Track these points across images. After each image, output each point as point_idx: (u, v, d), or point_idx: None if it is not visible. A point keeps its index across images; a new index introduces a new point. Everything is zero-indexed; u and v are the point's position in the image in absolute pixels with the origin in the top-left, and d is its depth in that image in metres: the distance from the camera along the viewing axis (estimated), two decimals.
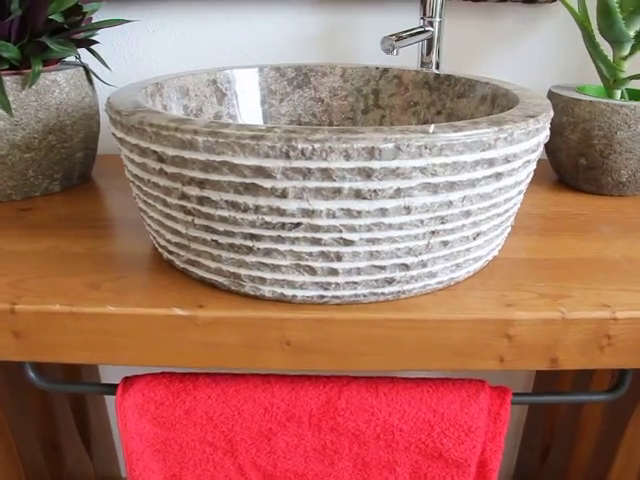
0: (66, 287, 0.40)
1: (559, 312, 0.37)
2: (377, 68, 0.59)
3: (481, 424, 0.42)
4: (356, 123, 0.61)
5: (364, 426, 0.43)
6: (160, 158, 0.35)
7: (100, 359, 0.39)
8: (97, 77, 0.58)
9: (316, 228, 0.34)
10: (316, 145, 0.31)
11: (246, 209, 0.34)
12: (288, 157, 0.31)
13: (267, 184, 0.32)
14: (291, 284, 0.37)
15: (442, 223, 0.35)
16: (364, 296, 0.37)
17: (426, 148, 0.32)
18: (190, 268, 0.40)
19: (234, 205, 0.34)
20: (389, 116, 0.60)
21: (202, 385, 0.43)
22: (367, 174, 0.32)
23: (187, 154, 0.33)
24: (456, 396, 0.43)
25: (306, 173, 0.32)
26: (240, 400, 0.43)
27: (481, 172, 0.34)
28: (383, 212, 0.33)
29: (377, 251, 0.35)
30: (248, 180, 0.33)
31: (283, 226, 0.34)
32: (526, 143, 0.36)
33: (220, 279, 0.39)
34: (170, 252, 0.41)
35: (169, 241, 0.40)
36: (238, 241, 0.36)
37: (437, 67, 0.63)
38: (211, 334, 0.38)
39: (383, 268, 0.36)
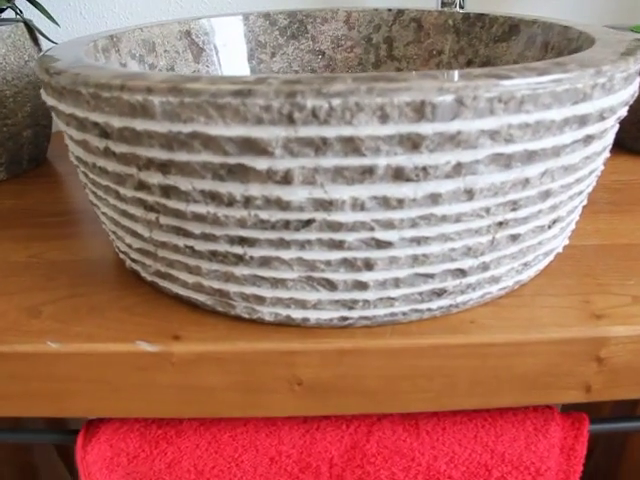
0: None
1: None
2: (389, 10, 0.48)
3: (552, 464, 0.33)
4: None
5: (402, 475, 0.33)
6: (103, 132, 0.24)
7: (42, 411, 0.29)
8: (42, 34, 0.46)
9: (336, 226, 0.23)
10: (335, 101, 0.20)
11: (231, 202, 0.23)
12: (292, 122, 0.20)
13: (261, 165, 0.22)
14: (301, 304, 0.26)
15: (513, 210, 0.25)
16: (403, 314, 0.27)
17: (500, 101, 0.21)
18: (161, 282, 0.29)
19: (213, 197, 0.23)
20: (406, 69, 0.48)
21: (187, 431, 0.33)
22: (413, 143, 0.21)
23: (140, 124, 0.22)
24: (520, 431, 0.32)
25: (320, 146, 0.21)
26: (238, 449, 0.33)
27: (569, 135, 0.24)
28: (434, 199, 0.23)
29: (424, 254, 0.24)
30: (232, 160, 0.22)
31: (287, 225, 0.23)
32: (624, 92, 0.26)
33: (201, 297, 0.28)
34: (134, 260, 0.30)
35: (130, 246, 0.29)
36: (222, 247, 0.25)
37: (461, 5, 0.52)
38: (192, 376, 0.27)
39: (431, 276, 0.25)
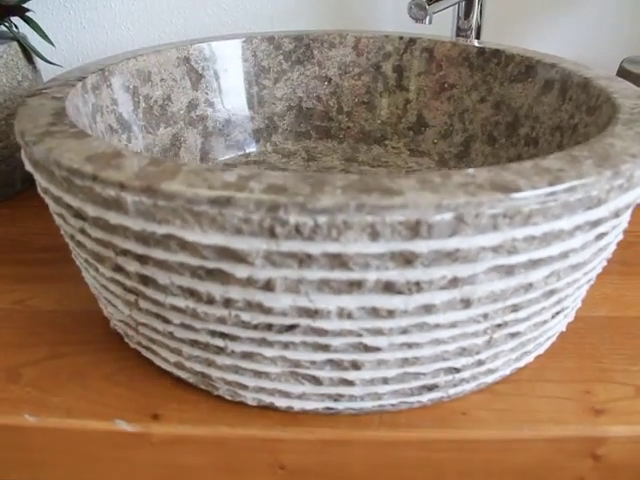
0: None
1: None
2: (401, 38, 0.45)
3: None
4: (373, 109, 0.47)
5: None
6: (78, 215, 0.22)
7: (16, 476, 0.28)
8: (37, 54, 0.45)
9: (321, 332, 0.22)
10: (320, 219, 0.18)
11: (211, 301, 0.22)
12: (273, 235, 0.19)
13: (241, 272, 0.20)
14: (285, 394, 0.25)
15: (514, 312, 0.23)
16: (392, 405, 0.26)
17: (505, 217, 0.19)
18: (143, 352, 0.28)
19: (192, 293, 0.22)
20: (416, 101, 0.46)
21: None
22: (406, 260, 0.19)
23: (113, 218, 0.21)
24: None
25: (304, 259, 0.19)
26: None
27: (580, 239, 0.22)
28: (428, 309, 0.21)
29: (415, 357, 0.23)
30: (210, 264, 0.20)
31: (269, 327, 0.22)
32: None
33: (184, 375, 0.27)
34: (117, 324, 0.29)
35: (111, 315, 0.28)
36: (203, 338, 0.24)
37: (478, 34, 0.49)
38: (171, 455, 0.26)
39: (422, 375, 0.24)
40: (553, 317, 0.26)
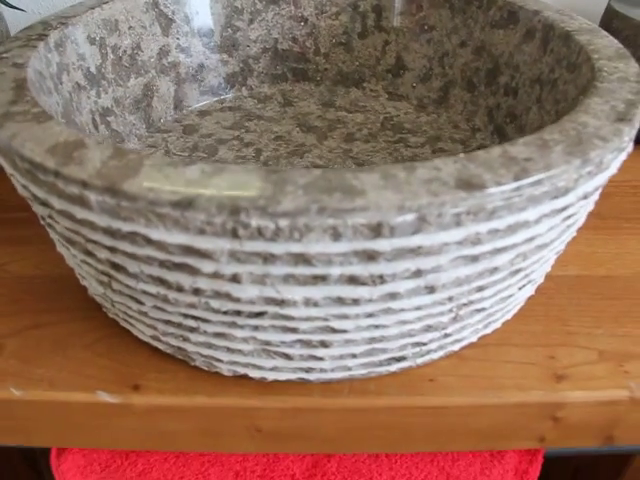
0: None
1: (626, 390, 0.27)
2: None
3: (510, 462, 0.34)
4: (351, 50, 0.46)
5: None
6: (45, 204, 0.22)
7: (6, 442, 0.30)
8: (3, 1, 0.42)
9: (289, 318, 0.22)
10: (282, 222, 0.18)
11: (180, 289, 0.22)
12: (236, 236, 0.19)
13: (207, 268, 0.20)
14: (258, 367, 0.26)
15: (479, 291, 0.24)
16: (361, 375, 0.27)
17: (469, 214, 0.19)
18: (121, 323, 0.29)
19: (162, 282, 0.22)
20: (395, 43, 0.44)
21: None
22: (369, 256, 0.20)
23: (79, 212, 0.21)
24: (476, 456, 0.34)
25: (268, 257, 0.19)
26: (204, 463, 0.34)
27: (546, 224, 0.22)
28: (392, 296, 0.22)
29: (382, 336, 0.24)
30: (177, 259, 0.20)
31: (239, 313, 0.22)
32: (613, 167, 0.24)
33: (161, 346, 0.28)
34: (94, 295, 0.29)
35: (87, 287, 0.28)
36: (176, 319, 0.24)
37: None
38: (152, 422, 0.28)
39: (389, 349, 0.25)
40: (520, 289, 0.27)
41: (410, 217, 0.19)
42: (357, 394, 0.27)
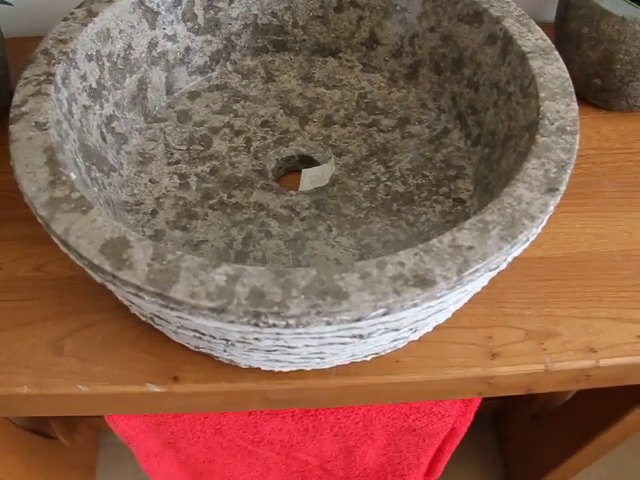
0: (25, 350, 0.37)
1: (542, 364, 0.37)
2: None
3: (454, 411, 0.45)
4: (327, 23, 0.48)
5: (344, 419, 0.45)
6: (104, 284, 0.29)
7: (71, 413, 0.39)
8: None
9: (294, 352, 0.30)
10: (291, 321, 0.26)
11: (212, 337, 0.30)
12: (257, 326, 0.26)
13: (235, 336, 0.28)
14: (268, 365, 0.34)
15: (433, 315, 0.32)
16: (344, 364, 0.36)
17: (423, 302, 0.27)
18: (154, 325, 0.37)
19: (198, 332, 0.30)
20: (369, 19, 0.47)
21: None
22: (352, 329, 0.27)
23: (134, 298, 0.27)
24: None
25: (280, 332, 0.27)
26: (220, 417, 0.44)
27: (475, 285, 0.29)
28: (364, 337, 0.30)
29: (361, 349, 0.32)
30: (212, 331, 0.28)
31: (257, 349, 0.30)
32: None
33: (188, 346, 0.36)
34: None
35: None
36: (206, 344, 0.32)
37: None
38: (189, 401, 0.37)
39: (366, 353, 0.34)
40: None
41: (381, 311, 0.26)
42: (342, 376, 0.36)
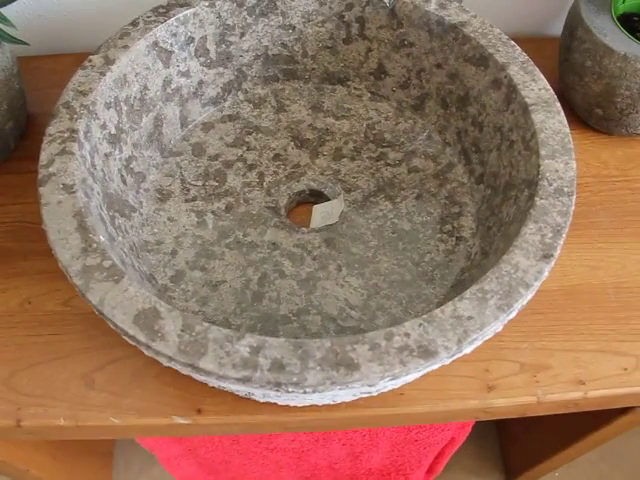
0: (60, 384, 0.40)
1: (535, 397, 0.40)
2: None
3: (453, 425, 0.49)
4: (336, 53, 0.49)
5: (351, 432, 0.49)
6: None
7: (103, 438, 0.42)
8: (5, 38, 0.44)
9: (302, 396, 0.33)
10: (308, 389, 0.29)
11: (237, 390, 0.33)
12: (278, 391, 0.29)
13: (258, 396, 0.31)
14: (284, 402, 0.38)
15: None
16: (352, 400, 0.39)
17: (424, 369, 0.29)
18: None
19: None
20: (377, 51, 0.48)
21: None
22: (363, 391, 0.30)
23: (165, 362, 0.30)
24: None
25: (298, 394, 0.30)
26: (255, 440, 0.48)
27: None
28: (369, 390, 0.33)
29: (369, 392, 0.35)
30: (235, 387, 0.31)
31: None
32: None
33: None
34: None
35: None
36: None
37: None
38: (213, 429, 0.40)
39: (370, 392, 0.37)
40: None
41: (387, 379, 0.29)
42: (351, 408, 0.39)
